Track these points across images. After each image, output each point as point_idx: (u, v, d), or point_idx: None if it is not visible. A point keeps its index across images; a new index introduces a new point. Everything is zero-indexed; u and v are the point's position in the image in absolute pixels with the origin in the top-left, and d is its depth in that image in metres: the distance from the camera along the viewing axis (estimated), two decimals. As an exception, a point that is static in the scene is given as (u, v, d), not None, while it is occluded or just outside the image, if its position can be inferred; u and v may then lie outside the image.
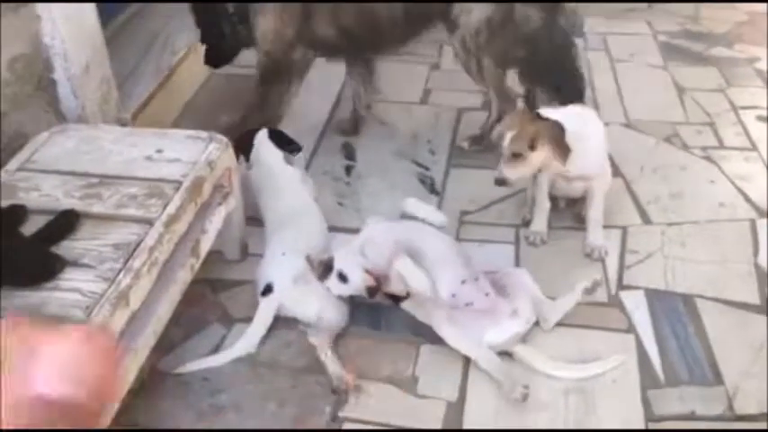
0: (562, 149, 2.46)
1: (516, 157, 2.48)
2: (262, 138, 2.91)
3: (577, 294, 2.38)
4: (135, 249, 1.96)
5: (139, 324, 1.96)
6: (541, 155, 2.49)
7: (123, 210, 2.11)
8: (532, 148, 2.47)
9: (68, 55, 2.63)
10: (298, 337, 2.38)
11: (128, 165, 2.30)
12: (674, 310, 2.46)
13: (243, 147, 2.87)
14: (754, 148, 3.33)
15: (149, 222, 2.06)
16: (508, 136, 2.48)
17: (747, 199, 3.00)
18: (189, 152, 2.36)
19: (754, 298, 2.51)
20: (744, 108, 3.64)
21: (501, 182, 2.52)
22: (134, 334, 1.93)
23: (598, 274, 2.42)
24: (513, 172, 2.50)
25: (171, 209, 2.12)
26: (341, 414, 2.14)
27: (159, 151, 2.37)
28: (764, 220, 2.87)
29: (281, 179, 2.82)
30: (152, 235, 2.02)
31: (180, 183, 2.22)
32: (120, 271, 1.90)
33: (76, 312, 1.77)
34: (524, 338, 2.32)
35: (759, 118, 3.56)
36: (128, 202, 2.14)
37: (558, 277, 2.58)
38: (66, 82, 2.66)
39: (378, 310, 2.43)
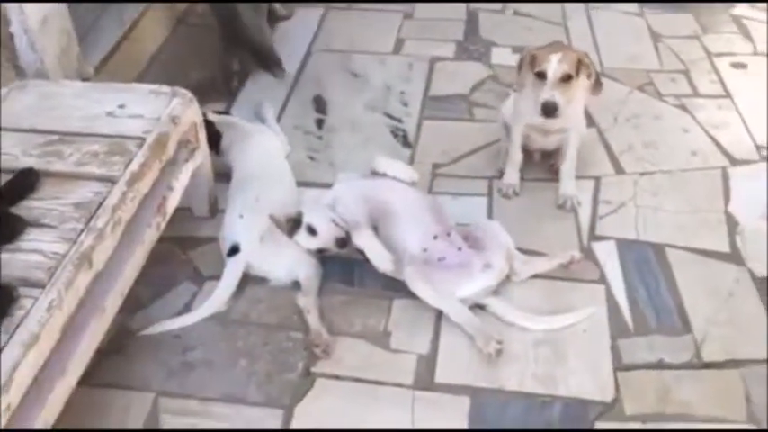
0: (599, 80, 2.45)
1: (565, 81, 2.42)
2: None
3: (552, 264, 2.39)
4: (97, 209, 1.92)
5: (105, 284, 1.93)
6: (583, 83, 2.45)
7: (85, 168, 2.06)
8: (577, 73, 2.43)
9: (24, 7, 2.53)
10: (268, 294, 2.37)
11: (89, 121, 2.24)
12: (644, 260, 2.47)
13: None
14: (728, 95, 3.31)
15: (112, 181, 2.02)
16: (554, 59, 2.41)
17: (720, 147, 3.00)
18: (152, 108, 2.30)
19: (723, 246, 2.52)
20: (719, 55, 3.61)
21: (551, 108, 2.41)
22: (99, 294, 1.90)
23: (577, 252, 2.41)
24: (563, 97, 2.42)
25: (134, 166, 2.07)
26: (313, 369, 2.14)
27: (121, 107, 2.31)
28: (736, 169, 2.88)
29: (249, 135, 2.77)
30: (115, 194, 1.98)
31: (143, 139, 2.17)
32: (82, 231, 1.86)
33: (39, 274, 1.73)
34: (496, 290, 2.33)
35: (734, 65, 3.54)
36: (89, 160, 2.09)
37: (530, 229, 2.59)
38: (23, 35, 2.57)
39: (351, 266, 2.42)
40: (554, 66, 2.41)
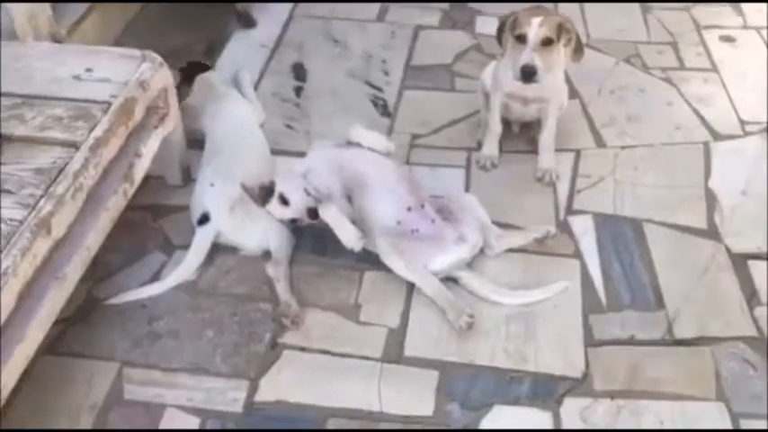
0: (580, 46, 2.42)
1: (546, 44, 2.37)
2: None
3: (527, 238, 2.36)
4: (58, 174, 1.87)
5: (66, 252, 1.89)
6: (563, 49, 2.42)
7: (47, 132, 2.00)
8: (558, 38, 2.38)
9: (-10, -35, 2.45)
10: (238, 263, 2.33)
11: (54, 84, 2.18)
12: (620, 235, 2.44)
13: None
14: (714, 69, 3.26)
15: (74, 146, 1.97)
16: (535, 22, 2.35)
17: (704, 122, 2.95)
18: (120, 72, 2.24)
19: (701, 222, 2.49)
20: (707, 27, 3.55)
21: (530, 71, 2.37)
22: (59, 263, 1.86)
23: (552, 227, 2.37)
24: (543, 61, 2.37)
25: (98, 132, 2.02)
26: (280, 341, 2.11)
27: (89, 70, 2.24)
28: (719, 144, 2.84)
29: (223, 101, 2.71)
30: (77, 159, 1.93)
31: (109, 104, 2.11)
32: (41, 197, 1.81)
33: (-6, 241, 1.69)
34: (470, 264, 2.30)
35: (722, 38, 3.48)
36: (52, 124, 2.03)
37: (507, 202, 2.55)
38: (-11, -6, 2.49)
39: (323, 237, 2.37)
40: (535, 29, 2.35)
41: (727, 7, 3.71)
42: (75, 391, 1.99)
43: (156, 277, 2.30)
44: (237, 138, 2.56)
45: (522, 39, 2.38)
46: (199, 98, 2.72)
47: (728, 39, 3.47)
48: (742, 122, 2.94)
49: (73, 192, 1.87)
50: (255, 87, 3.07)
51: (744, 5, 3.72)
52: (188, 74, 2.80)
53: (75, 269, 1.91)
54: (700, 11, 3.68)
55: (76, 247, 1.92)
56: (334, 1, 3.68)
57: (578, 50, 2.44)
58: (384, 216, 2.28)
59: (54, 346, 2.08)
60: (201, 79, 2.82)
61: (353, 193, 2.34)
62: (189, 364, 2.05)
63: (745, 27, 3.57)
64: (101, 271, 2.27)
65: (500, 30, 2.48)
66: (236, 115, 2.67)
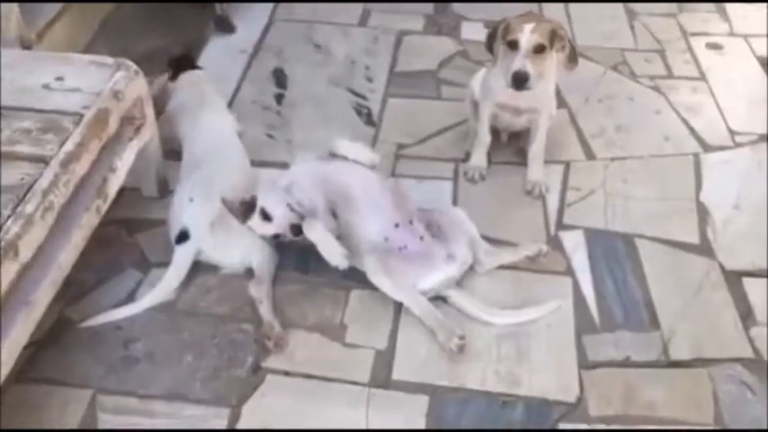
0: (574, 54, 2.35)
1: (538, 51, 2.31)
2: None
3: (518, 256, 2.29)
4: (26, 193, 1.76)
5: (36, 275, 1.79)
6: (556, 57, 2.36)
7: (14, 147, 1.89)
8: (550, 45, 2.32)
9: (-47, -34, 2.33)
10: (219, 282, 2.24)
11: (22, 94, 2.06)
12: (612, 251, 2.38)
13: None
14: (702, 77, 3.22)
15: (44, 161, 1.85)
16: (527, 28, 2.28)
17: (693, 132, 2.91)
18: (93, 80, 2.13)
19: (693, 237, 2.44)
20: (694, 35, 3.52)
21: (522, 78, 2.29)
22: (28, 287, 1.75)
23: (544, 245, 2.30)
24: (534, 67, 2.30)
25: (69, 146, 1.91)
26: (263, 365, 2.02)
27: (59, 79, 2.13)
28: (709, 155, 2.79)
29: (204, 109, 2.61)
30: (47, 176, 1.82)
31: (81, 115, 2.00)
32: (8, 218, 1.70)
33: (-43, 266, 1.58)
34: (459, 282, 2.22)
35: (709, 45, 3.44)
36: (20, 138, 1.92)
37: (496, 216, 2.48)
38: (-47, -3, 2.37)
39: (306, 254, 2.27)
40: (527, 35, 2.28)
41: (713, 14, 3.68)
42: (47, 419, 1.88)
43: (131, 297, 2.19)
44: (219, 150, 2.45)
45: (513, 45, 2.31)
46: (181, 98, 2.61)
47: (715, 46, 3.44)
48: (732, 133, 2.90)
49: (42, 211, 1.75)
50: (235, 94, 2.97)
51: (730, 12, 3.69)
52: (177, 67, 2.72)
53: (45, 293, 1.80)
54: (686, 17, 3.65)
55: (47, 270, 1.81)
56: (316, 1, 3.59)
57: (572, 58, 2.38)
58: (371, 232, 2.19)
59: (24, 371, 1.97)
60: (190, 76, 2.72)
61: (338, 208, 2.24)
62: (167, 390, 1.95)
63: (731, 34, 3.54)
64: (73, 290, 2.16)
65: (491, 37, 2.41)
66: (218, 126, 2.56)
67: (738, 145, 2.85)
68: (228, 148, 2.50)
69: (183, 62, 2.79)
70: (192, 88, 2.69)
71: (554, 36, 2.32)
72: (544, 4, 3.65)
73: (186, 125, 2.53)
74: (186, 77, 2.73)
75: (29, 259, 1.72)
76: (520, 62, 2.29)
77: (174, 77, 2.74)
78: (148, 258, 2.31)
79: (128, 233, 2.39)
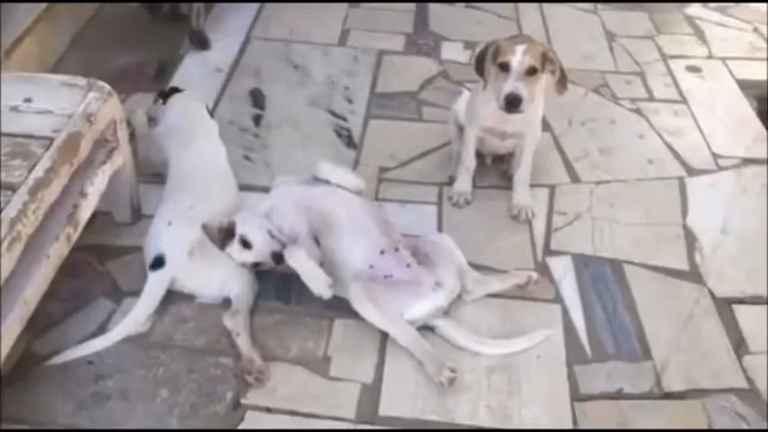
0: (564, 78, 2.32)
1: (530, 73, 2.26)
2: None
3: (508, 284, 2.22)
4: (-8, 223, 1.66)
5: (2, 309, 1.67)
6: (546, 78, 2.31)
7: (-21, 173, 1.78)
8: (542, 67, 2.27)
9: None
10: (195, 312, 2.14)
11: (-13, 117, 1.96)
12: (601, 278, 2.33)
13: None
14: (683, 100, 3.21)
15: (12, 188, 1.75)
16: (519, 50, 2.23)
17: (676, 155, 2.89)
18: (63, 102, 2.03)
19: (682, 263, 2.40)
20: (673, 57, 3.52)
21: (515, 100, 2.24)
22: (-7, 323, 1.64)
23: (534, 273, 2.24)
24: (528, 90, 2.25)
25: (38, 172, 1.81)
26: (243, 401, 1.92)
27: (27, 101, 2.03)
28: (693, 179, 2.77)
29: (195, 132, 2.52)
30: (14, 204, 1.72)
31: (51, 140, 1.90)
32: (-29, 249, 1.59)
33: None
34: (446, 311, 2.15)
35: (688, 68, 3.44)
36: (-15, 164, 1.81)
37: (482, 241, 2.42)
38: None
39: (287, 282, 2.19)
40: (519, 57, 2.23)
41: (691, 36, 3.69)
42: (11, 462, 1.77)
43: (102, 328, 2.08)
44: (206, 174, 2.35)
45: (505, 67, 2.25)
46: (171, 121, 2.54)
47: (695, 69, 3.44)
48: (715, 156, 2.89)
49: (9, 242, 1.65)
50: (211, 115, 2.87)
51: (707, 35, 3.70)
52: (166, 95, 2.69)
53: (10, 328, 1.70)
54: (664, 39, 3.66)
55: (12, 304, 1.70)
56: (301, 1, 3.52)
57: (562, 82, 2.33)
58: (355, 260, 2.12)
59: (-15, 410, 1.85)
60: (180, 98, 2.64)
61: (321, 234, 2.17)
62: (141, 428, 1.84)
63: (709, 57, 3.54)
64: (40, 322, 2.04)
65: (480, 59, 2.36)
66: (207, 149, 2.47)
67: (722, 168, 2.83)
68: (217, 174, 2.41)
69: (172, 91, 2.71)
70: (182, 111, 2.61)
71: (545, 59, 2.28)
72: (524, 22, 3.63)
73: (174, 147, 2.43)
74: (177, 100, 2.64)
75: (-6, 293, 1.61)
76: (512, 84, 2.24)
77: (164, 101, 2.66)
78: (120, 287, 2.20)
79: (98, 261, 2.28)
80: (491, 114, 2.37)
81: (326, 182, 2.25)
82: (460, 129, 2.60)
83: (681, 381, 2.03)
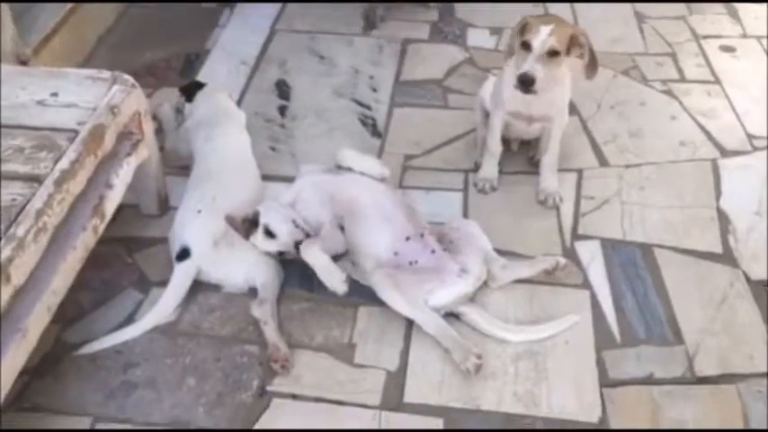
0: (594, 62, 2.25)
1: (551, 55, 2.20)
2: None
3: (535, 270, 2.18)
4: (18, 214, 1.68)
5: (29, 300, 1.70)
6: (573, 62, 2.26)
7: (6, 165, 1.81)
8: (567, 51, 2.22)
9: (-55, -19, 2.26)
10: (222, 301, 2.15)
11: (15, 111, 1.99)
12: (631, 262, 2.28)
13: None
14: (716, 81, 3.13)
15: (38, 180, 1.78)
16: (544, 30, 2.18)
17: (710, 137, 2.81)
18: (88, 95, 2.05)
19: (715, 246, 2.34)
20: (706, 37, 3.43)
21: (528, 80, 2.19)
22: (20, 314, 1.66)
23: (562, 258, 2.19)
24: (544, 72, 2.19)
25: (64, 163, 1.83)
26: (269, 388, 1.93)
27: (54, 95, 2.06)
28: (727, 160, 2.70)
29: (222, 123, 2.53)
30: (40, 195, 1.74)
31: (76, 132, 1.92)
32: (-1, 240, 1.62)
33: (-56, 292, 1.50)
34: (472, 297, 2.13)
35: (722, 48, 3.35)
36: (12, 156, 1.84)
37: (509, 228, 2.39)
38: (-55, 12, 2.30)
39: (311, 270, 2.18)
40: (542, 37, 2.18)
41: (724, 16, 3.60)
42: (42, 452, 1.80)
43: (130, 318, 2.11)
44: (231, 166, 2.37)
45: (527, 46, 2.21)
46: (198, 115, 2.56)
47: (728, 48, 3.35)
48: (749, 137, 2.81)
49: (35, 233, 1.67)
50: (237, 106, 2.89)
51: (741, 13, 3.60)
52: (189, 91, 2.70)
53: (38, 320, 1.72)
54: (696, 20, 3.56)
55: (40, 295, 1.72)
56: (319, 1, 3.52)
57: (592, 66, 2.27)
58: (380, 247, 2.11)
59: (18, 399, 1.89)
60: (208, 92, 2.67)
61: (345, 222, 2.17)
62: (168, 417, 1.86)
63: (744, 36, 3.45)
64: (70, 312, 2.08)
65: (512, 36, 2.32)
66: (233, 141, 2.49)
67: (757, 149, 2.75)
68: (243, 166, 2.42)
69: (193, 87, 2.72)
70: (210, 104, 2.63)
71: (573, 42, 2.23)
72: (551, 7, 3.57)
73: (200, 139, 2.45)
74: (205, 94, 2.67)
75: (21, 284, 1.63)
76: (529, 64, 2.20)
77: (190, 99, 2.67)
78: (148, 278, 2.23)
79: (126, 252, 2.31)
80: (515, 98, 2.33)
81: (350, 170, 2.24)
82: (486, 114, 2.57)
83: (714, 365, 1.99)
